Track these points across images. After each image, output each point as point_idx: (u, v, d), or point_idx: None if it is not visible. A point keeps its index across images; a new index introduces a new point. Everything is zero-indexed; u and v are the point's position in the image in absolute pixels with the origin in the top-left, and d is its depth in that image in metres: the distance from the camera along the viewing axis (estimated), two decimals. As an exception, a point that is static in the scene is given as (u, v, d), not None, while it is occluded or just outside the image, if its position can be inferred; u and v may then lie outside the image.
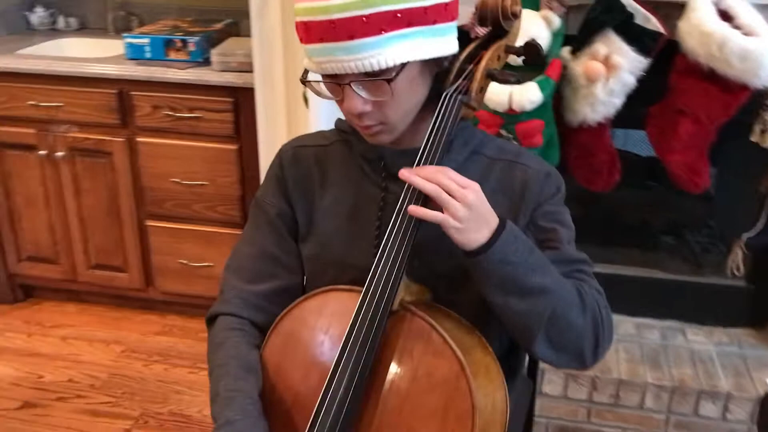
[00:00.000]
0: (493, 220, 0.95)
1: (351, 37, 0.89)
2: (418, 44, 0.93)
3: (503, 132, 1.74)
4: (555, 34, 1.70)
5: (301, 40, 0.94)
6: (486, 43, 1.04)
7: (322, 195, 1.12)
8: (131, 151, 2.37)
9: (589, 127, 1.79)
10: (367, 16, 0.88)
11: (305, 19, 0.91)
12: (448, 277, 1.04)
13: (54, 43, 2.65)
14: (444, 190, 0.92)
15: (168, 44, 2.35)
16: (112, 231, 2.48)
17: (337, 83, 0.95)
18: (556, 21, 1.68)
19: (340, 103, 0.98)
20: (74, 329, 2.54)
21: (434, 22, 0.94)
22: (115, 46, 2.52)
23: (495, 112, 1.71)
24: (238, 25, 2.60)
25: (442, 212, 0.91)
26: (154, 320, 2.59)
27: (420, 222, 0.95)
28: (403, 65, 0.93)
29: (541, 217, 1.06)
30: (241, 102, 2.23)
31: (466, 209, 0.92)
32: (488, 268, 0.94)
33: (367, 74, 0.92)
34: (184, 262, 2.45)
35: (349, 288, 1.01)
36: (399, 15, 0.90)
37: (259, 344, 1.08)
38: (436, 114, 1.00)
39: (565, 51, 1.77)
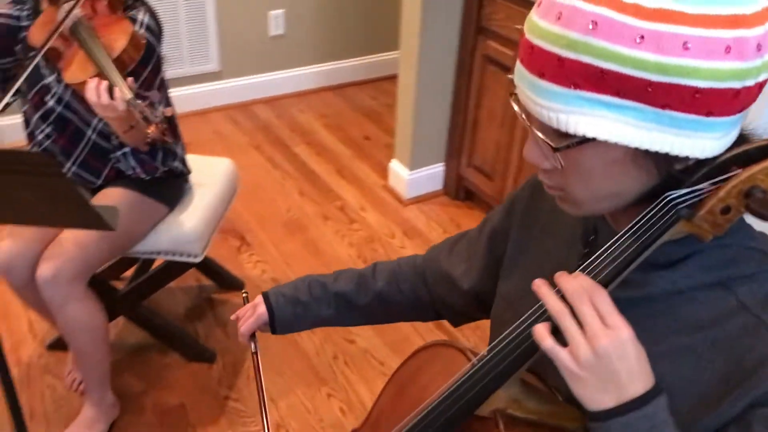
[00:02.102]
0: (632, 387, 0.67)
1: (541, 75, 0.68)
2: (623, 123, 0.66)
3: None
4: None
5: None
6: (762, 152, 0.67)
7: (540, 240, 0.93)
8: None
9: None
10: (563, 59, 0.65)
11: (525, 28, 0.71)
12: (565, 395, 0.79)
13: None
14: (578, 317, 0.68)
15: None
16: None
17: (525, 117, 0.74)
18: None
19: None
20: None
21: (664, 107, 0.64)
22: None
23: None
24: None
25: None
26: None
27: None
28: (588, 139, 0.68)
29: (761, 419, 0.69)
30: None
31: (592, 355, 0.67)
32: None
33: (543, 126, 0.71)
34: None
35: (465, 351, 0.86)
36: (603, 77, 0.64)
37: (402, 285, 1.13)
38: (640, 216, 0.71)
39: None
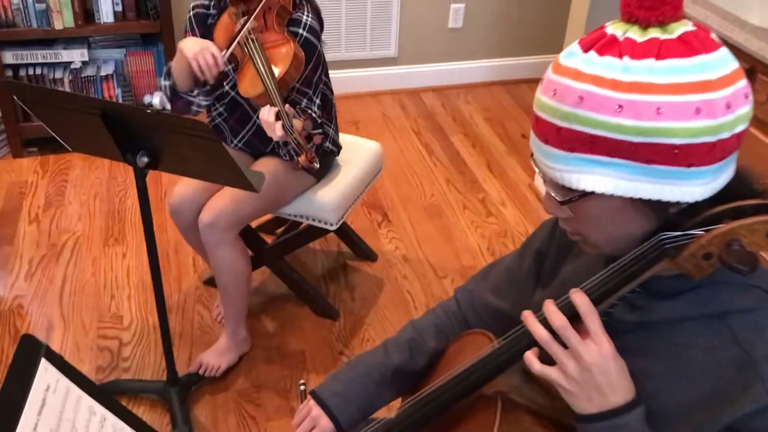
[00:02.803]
0: (613, 398, 0.81)
1: (545, 141, 0.82)
2: (617, 177, 0.78)
3: None
4: None
5: None
6: (755, 210, 0.75)
7: (571, 262, 1.04)
8: None
9: None
10: (560, 128, 0.79)
11: (533, 103, 0.86)
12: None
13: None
14: (562, 336, 0.81)
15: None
16: None
17: (542, 176, 0.87)
18: None
19: None
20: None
21: (649, 162, 0.75)
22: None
23: None
24: None
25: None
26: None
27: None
28: (587, 194, 0.80)
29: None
30: None
31: (578, 371, 0.81)
32: None
33: (554, 183, 0.84)
34: None
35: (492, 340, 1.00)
36: (594, 141, 0.76)
37: (450, 336, 1.16)
38: (634, 250, 0.82)
39: None
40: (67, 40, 3.01)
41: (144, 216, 1.73)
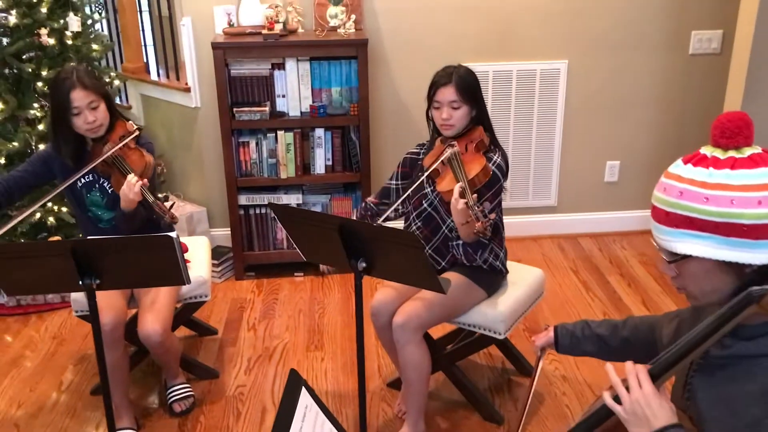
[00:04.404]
0: (655, 422, 1.19)
1: (658, 221, 1.26)
2: (706, 246, 1.19)
3: None
4: None
5: None
6: None
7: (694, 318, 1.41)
8: None
9: None
10: (668, 213, 1.23)
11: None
12: None
13: None
14: (628, 385, 1.23)
15: None
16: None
17: (658, 248, 1.30)
18: None
19: None
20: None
21: (727, 235, 1.16)
22: None
23: None
24: None
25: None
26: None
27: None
28: (687, 256, 1.21)
29: None
30: None
31: (630, 404, 1.21)
32: None
33: (664, 250, 1.26)
34: None
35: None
36: (691, 221, 1.19)
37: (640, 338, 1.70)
38: (727, 304, 1.19)
39: None
40: (287, 186, 3.78)
41: (357, 311, 2.23)
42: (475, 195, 2.24)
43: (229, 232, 3.83)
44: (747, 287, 1.18)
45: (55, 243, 2.32)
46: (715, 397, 1.25)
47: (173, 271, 2.05)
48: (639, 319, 1.72)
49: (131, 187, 2.44)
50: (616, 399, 1.25)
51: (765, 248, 1.17)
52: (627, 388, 1.24)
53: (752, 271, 1.19)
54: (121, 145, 2.54)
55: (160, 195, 2.55)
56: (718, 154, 1.22)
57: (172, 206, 2.43)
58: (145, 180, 2.48)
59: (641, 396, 1.20)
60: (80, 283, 2.02)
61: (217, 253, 3.82)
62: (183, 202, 4.03)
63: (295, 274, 3.88)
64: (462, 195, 2.22)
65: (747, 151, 1.21)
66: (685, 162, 1.25)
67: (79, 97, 2.49)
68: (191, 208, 3.97)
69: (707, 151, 1.24)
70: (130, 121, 2.65)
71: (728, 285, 1.22)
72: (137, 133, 2.62)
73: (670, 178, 1.25)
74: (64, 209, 3.48)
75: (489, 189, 2.42)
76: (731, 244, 1.17)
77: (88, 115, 2.51)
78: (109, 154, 2.52)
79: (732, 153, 1.20)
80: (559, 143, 4.10)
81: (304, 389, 1.59)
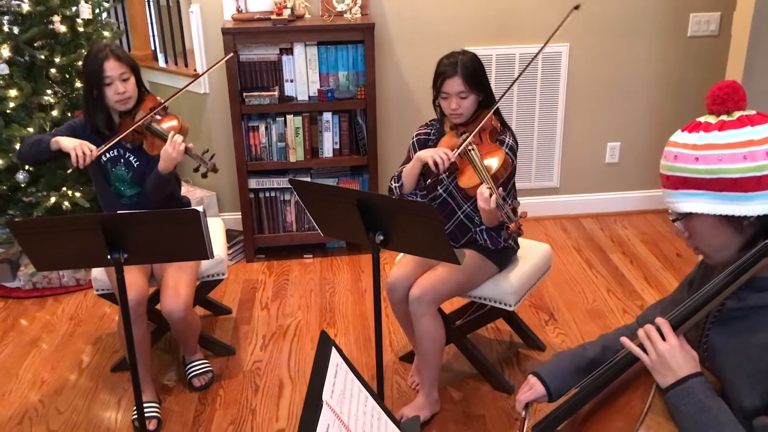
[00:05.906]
0: (680, 372, 1.28)
1: (665, 186, 1.36)
2: (704, 202, 1.29)
3: None
4: None
5: None
6: None
7: (702, 280, 1.49)
8: None
9: None
10: (668, 177, 1.34)
11: None
12: None
13: None
14: (649, 336, 1.32)
15: None
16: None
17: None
18: None
19: None
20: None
21: (719, 190, 1.26)
22: None
23: None
24: None
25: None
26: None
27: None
28: (689, 214, 1.31)
29: None
30: None
31: (655, 355, 1.31)
32: (670, 403, 1.30)
33: (672, 212, 1.36)
34: None
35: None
36: (686, 180, 1.30)
37: None
38: (742, 258, 1.28)
39: None
40: (296, 170, 3.85)
41: (375, 282, 2.30)
42: (500, 188, 2.30)
43: (239, 216, 3.90)
44: (752, 243, 1.28)
45: (84, 217, 2.38)
46: (733, 346, 1.34)
47: (198, 245, 2.13)
48: (612, 334, 1.72)
49: (176, 146, 2.56)
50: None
51: (756, 200, 1.26)
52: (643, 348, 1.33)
53: (750, 224, 1.29)
54: (153, 113, 2.67)
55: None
56: (711, 119, 1.33)
57: (212, 156, 2.61)
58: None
59: (667, 347, 1.29)
60: (108, 257, 2.09)
61: (227, 236, 3.88)
62: (192, 187, 4.10)
63: (305, 255, 3.95)
64: (490, 195, 2.22)
65: (736, 114, 1.31)
66: (683, 130, 1.37)
67: (112, 67, 2.59)
68: (201, 193, 4.04)
69: (702, 118, 1.36)
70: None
71: (732, 240, 1.32)
72: (165, 105, 2.73)
73: (669, 146, 1.37)
74: (78, 194, 3.54)
75: (509, 178, 2.50)
76: (724, 198, 1.27)
77: (119, 85, 2.61)
78: (142, 121, 2.65)
79: (722, 117, 1.31)
80: (561, 126, 4.18)
81: (333, 349, 1.67)
